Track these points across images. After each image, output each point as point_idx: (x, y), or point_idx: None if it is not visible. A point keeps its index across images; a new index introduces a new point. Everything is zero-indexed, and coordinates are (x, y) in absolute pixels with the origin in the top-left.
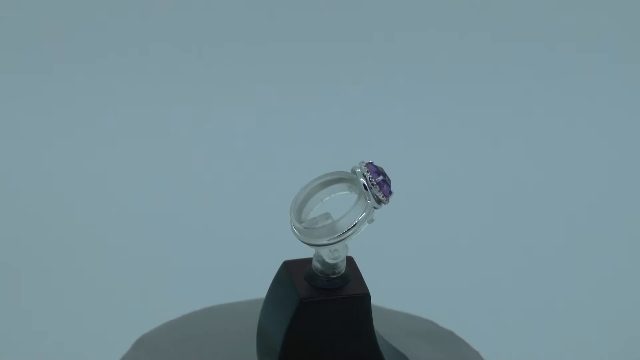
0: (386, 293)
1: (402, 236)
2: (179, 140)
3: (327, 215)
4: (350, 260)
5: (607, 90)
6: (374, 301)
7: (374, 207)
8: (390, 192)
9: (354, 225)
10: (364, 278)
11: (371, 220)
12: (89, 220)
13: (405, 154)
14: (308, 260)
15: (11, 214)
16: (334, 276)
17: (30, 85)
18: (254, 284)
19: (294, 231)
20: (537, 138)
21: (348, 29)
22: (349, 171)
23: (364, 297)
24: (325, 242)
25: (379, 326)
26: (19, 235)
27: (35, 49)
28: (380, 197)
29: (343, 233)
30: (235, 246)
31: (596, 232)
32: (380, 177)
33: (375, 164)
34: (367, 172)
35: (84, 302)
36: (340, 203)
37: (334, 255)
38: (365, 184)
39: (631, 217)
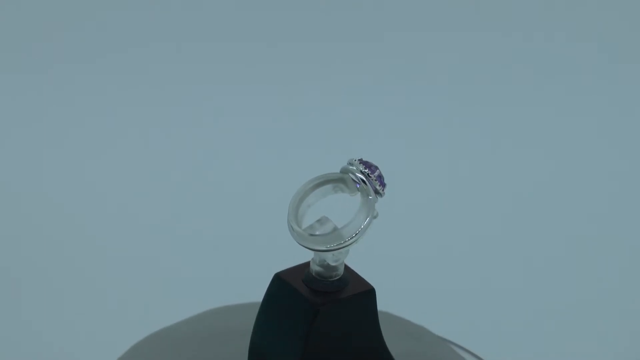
0: (385, 295)
1: (400, 238)
2: (179, 141)
3: (326, 219)
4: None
5: (608, 90)
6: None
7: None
8: (385, 184)
9: (361, 230)
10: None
11: (376, 215)
12: (86, 221)
13: (405, 155)
14: (300, 267)
15: (9, 216)
16: (335, 278)
17: (27, 86)
18: (252, 287)
19: (295, 237)
20: (538, 138)
21: (347, 29)
22: (338, 172)
23: (371, 292)
24: (332, 247)
25: None
26: (15, 236)
27: (32, 49)
28: (381, 190)
29: (351, 238)
30: (235, 248)
31: (597, 234)
32: (378, 171)
33: (364, 159)
34: (365, 168)
35: (83, 304)
36: (327, 204)
37: (336, 257)
38: (364, 179)
39: (632, 220)
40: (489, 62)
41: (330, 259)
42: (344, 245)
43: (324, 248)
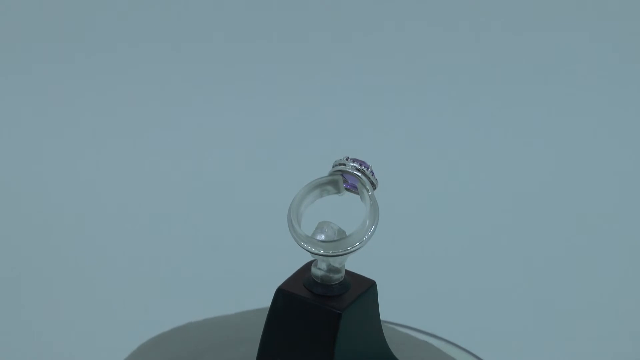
0: (387, 299)
1: (399, 238)
2: (178, 141)
3: (328, 224)
4: None
5: (608, 90)
6: None
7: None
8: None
9: (372, 231)
10: None
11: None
12: (86, 221)
13: (404, 155)
14: (297, 277)
15: (10, 216)
16: (339, 281)
17: (24, 86)
18: (251, 287)
19: (303, 245)
20: (540, 139)
21: (348, 29)
22: (327, 175)
23: (374, 286)
24: (346, 251)
25: None
26: (15, 236)
27: (31, 49)
28: (376, 183)
29: (362, 240)
30: (234, 248)
31: (597, 234)
32: (370, 166)
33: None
34: (360, 165)
35: (82, 305)
36: (318, 207)
37: (341, 260)
38: (361, 176)
39: (632, 220)
40: (489, 61)
41: (338, 262)
42: (355, 248)
43: (338, 252)
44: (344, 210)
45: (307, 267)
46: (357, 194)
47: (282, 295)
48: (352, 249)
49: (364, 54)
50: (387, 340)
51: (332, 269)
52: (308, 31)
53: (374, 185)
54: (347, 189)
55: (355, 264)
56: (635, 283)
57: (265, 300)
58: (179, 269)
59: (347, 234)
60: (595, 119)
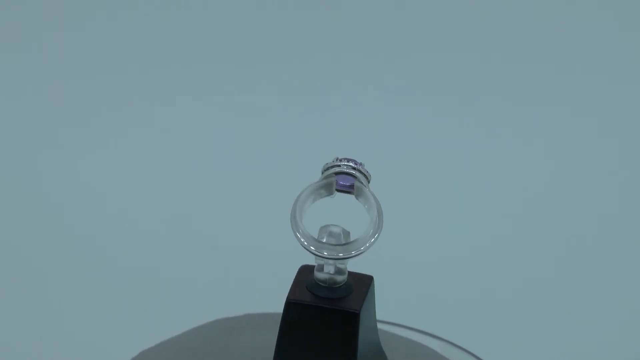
0: (387, 299)
1: (398, 240)
2: (178, 142)
3: (331, 227)
4: None
5: (613, 90)
6: None
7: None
8: None
9: (381, 228)
10: None
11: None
12: (85, 224)
13: (405, 156)
14: (299, 284)
15: (10, 216)
16: (344, 281)
17: (24, 86)
18: (251, 289)
19: (314, 250)
20: (540, 139)
21: (347, 29)
22: (321, 180)
23: (373, 281)
24: (348, 254)
25: None
26: (15, 237)
27: (26, 49)
28: (370, 177)
29: (372, 239)
30: (234, 250)
31: (597, 236)
32: (361, 162)
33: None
34: (355, 164)
35: (83, 306)
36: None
37: (347, 261)
38: (357, 174)
39: (632, 222)
40: (489, 62)
41: (345, 264)
42: (364, 250)
43: (349, 254)
44: (332, 210)
45: (304, 271)
46: (349, 193)
47: (294, 305)
48: (360, 252)
49: (364, 54)
50: (387, 341)
51: (338, 271)
52: (308, 31)
53: (368, 180)
54: (337, 190)
55: (355, 264)
56: (635, 283)
57: (264, 301)
58: (179, 269)
59: (350, 234)
60: (595, 119)
